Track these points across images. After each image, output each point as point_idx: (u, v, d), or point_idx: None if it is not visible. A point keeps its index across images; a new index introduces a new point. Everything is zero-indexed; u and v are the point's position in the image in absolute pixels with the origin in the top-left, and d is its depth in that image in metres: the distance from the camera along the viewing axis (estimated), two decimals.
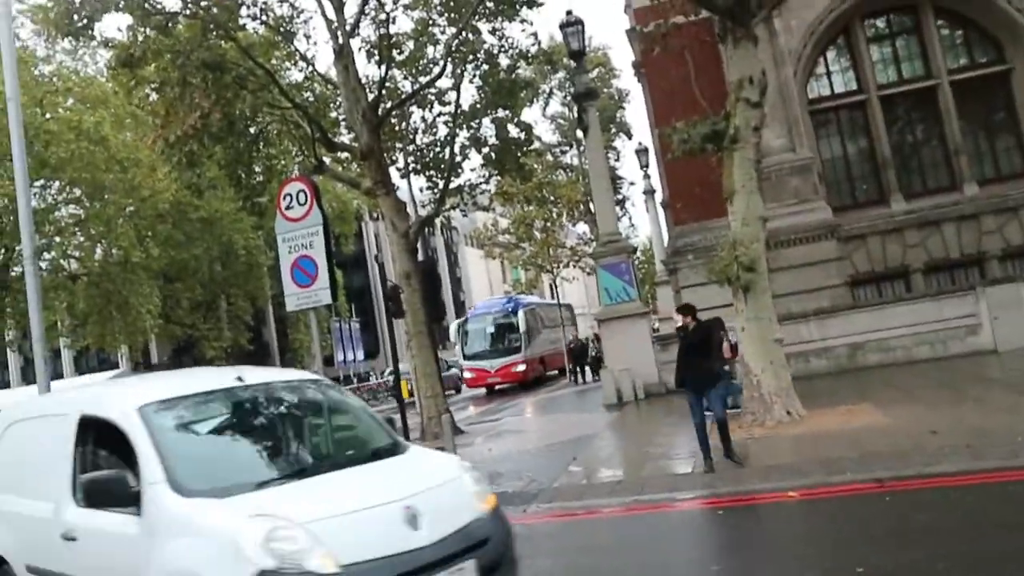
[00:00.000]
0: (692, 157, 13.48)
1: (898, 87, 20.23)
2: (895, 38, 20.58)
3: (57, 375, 41.83)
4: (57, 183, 30.76)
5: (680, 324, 9.82)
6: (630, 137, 44.25)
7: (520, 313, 32.96)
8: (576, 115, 25.83)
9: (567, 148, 42.21)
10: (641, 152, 36.61)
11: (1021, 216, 18.76)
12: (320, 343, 15.31)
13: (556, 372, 35.23)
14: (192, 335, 41.47)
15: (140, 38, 15.99)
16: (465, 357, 33.55)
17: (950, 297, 16.74)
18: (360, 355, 41.37)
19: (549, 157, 40.00)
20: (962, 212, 18.96)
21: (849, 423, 10.52)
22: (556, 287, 36.47)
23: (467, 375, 33.60)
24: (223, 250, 37.81)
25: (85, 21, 15.40)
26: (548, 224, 37.22)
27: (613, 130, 41.58)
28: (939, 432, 8.84)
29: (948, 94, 19.64)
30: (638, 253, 41.29)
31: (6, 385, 43.96)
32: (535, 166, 30.60)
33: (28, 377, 40.69)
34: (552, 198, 37.23)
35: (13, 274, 30.03)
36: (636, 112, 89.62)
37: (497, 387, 31.97)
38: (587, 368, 29.71)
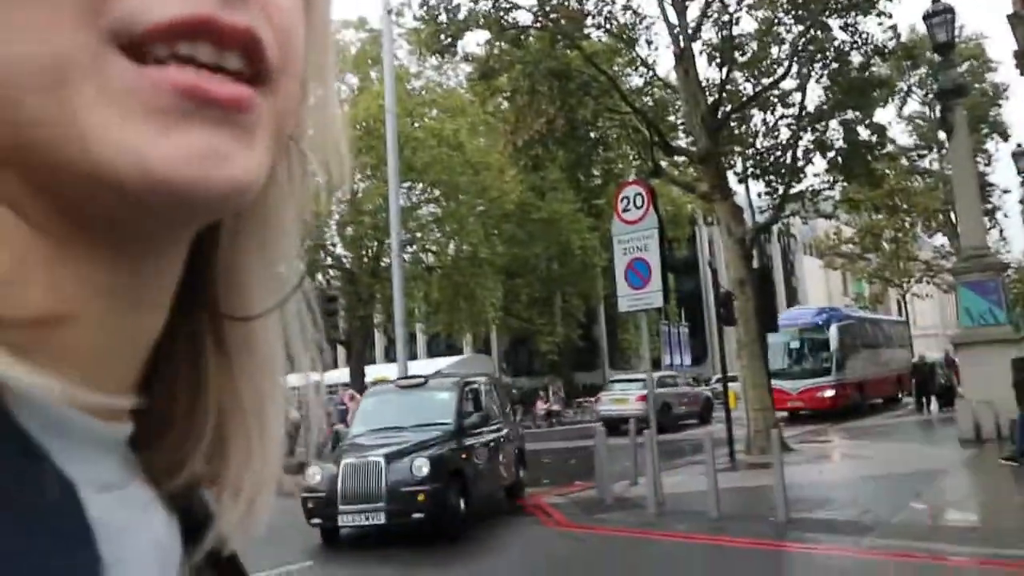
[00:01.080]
0: None
1: None
2: None
3: (412, 356, 46.77)
4: (420, 185, 34.39)
5: None
6: (1006, 139, 38.98)
7: (833, 328, 27.61)
8: (939, 114, 23.34)
9: (925, 151, 38.31)
10: (1020, 155, 32.13)
11: None
12: (649, 345, 15.41)
13: (880, 401, 29.85)
14: (528, 328, 44.12)
15: (495, 51, 17.32)
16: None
17: None
18: (687, 360, 41.08)
19: (904, 161, 36.59)
20: None
21: None
22: (905, 304, 33.20)
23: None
24: (561, 249, 39.70)
25: (450, 40, 17.04)
26: (899, 235, 34.10)
27: (984, 131, 36.97)
28: None
29: None
30: (1010, 271, 36.35)
31: (372, 362, 49.98)
32: (887, 171, 28.17)
33: (390, 356, 45.95)
34: (905, 206, 34.06)
35: (383, 264, 34.14)
36: (1016, 110, 78.77)
37: (801, 412, 26.66)
38: (932, 397, 25.94)
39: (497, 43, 17.34)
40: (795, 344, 27.45)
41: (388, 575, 8.81)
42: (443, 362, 48.21)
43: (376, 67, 32.84)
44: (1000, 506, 9.62)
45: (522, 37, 17.22)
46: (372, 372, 41.36)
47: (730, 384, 17.86)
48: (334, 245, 36.18)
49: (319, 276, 34.92)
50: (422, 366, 45.97)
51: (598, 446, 12.18)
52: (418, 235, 34.88)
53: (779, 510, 9.25)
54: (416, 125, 32.98)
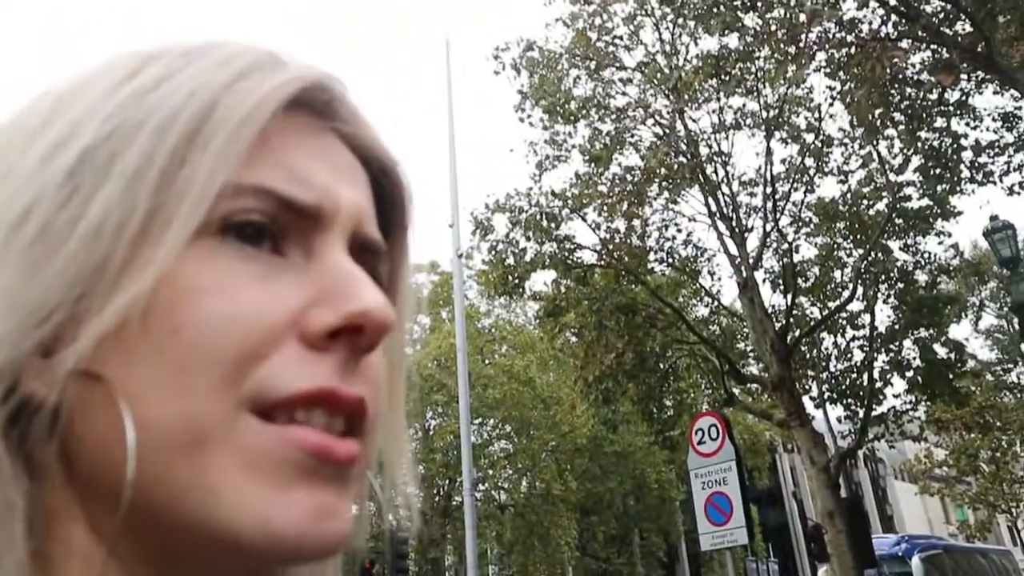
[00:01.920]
0: None
1: None
2: None
3: None
4: (491, 421, 34.47)
5: None
6: None
7: (916, 560, 23.59)
8: (1017, 327, 22.80)
9: (1011, 365, 37.13)
10: None
11: None
12: None
13: None
14: (606, 568, 41.90)
15: (562, 290, 17.91)
16: None
17: None
18: None
19: (989, 377, 35.39)
20: None
21: None
22: (1017, 531, 30.56)
23: None
24: (636, 484, 38.53)
25: (518, 280, 17.74)
26: (997, 455, 32.23)
27: None
28: None
29: None
30: None
31: None
32: (972, 388, 27.16)
33: None
34: (998, 423, 32.46)
35: (455, 503, 33.51)
36: None
37: None
38: None
39: (563, 281, 17.96)
40: None
41: None
42: None
43: (447, 307, 34.18)
44: None
45: (587, 275, 17.83)
46: None
47: None
48: (404, 484, 35.86)
49: (390, 517, 34.39)
50: None
51: None
52: (489, 472, 34.44)
53: None
54: (486, 362, 33.65)
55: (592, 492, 37.18)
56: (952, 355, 18.67)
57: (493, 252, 18.03)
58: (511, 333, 34.86)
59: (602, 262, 17.92)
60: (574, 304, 17.83)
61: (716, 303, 19.60)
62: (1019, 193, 16.21)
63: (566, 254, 17.67)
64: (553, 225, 17.37)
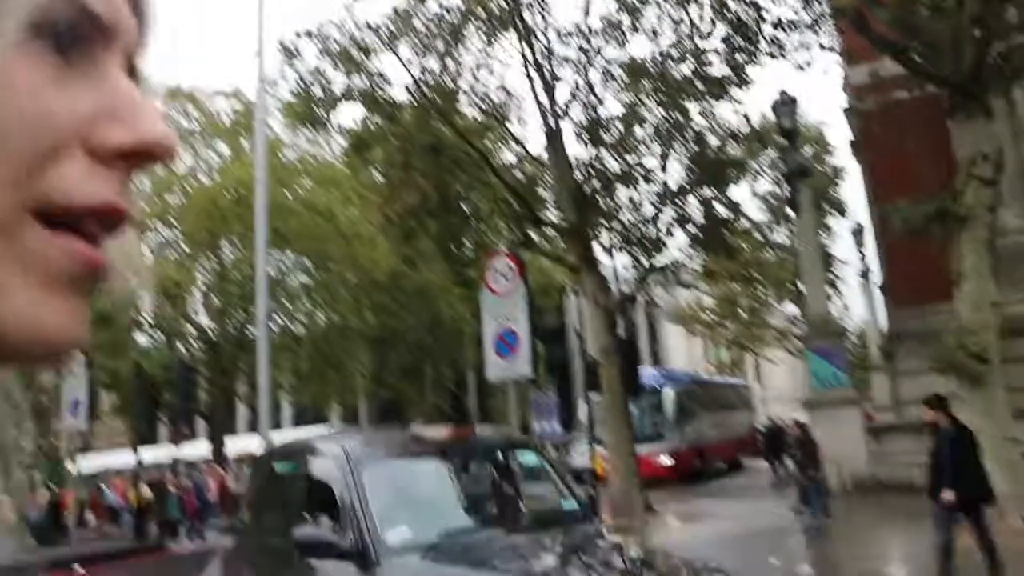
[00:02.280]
0: (914, 237, 12.73)
1: None
2: None
3: (276, 426, 45.22)
4: (290, 253, 33.91)
5: (930, 420, 8.36)
6: (844, 215, 42.34)
7: (668, 391, 26.28)
8: (787, 193, 25.14)
9: (776, 226, 41.04)
10: (857, 232, 34.93)
11: None
12: (518, 412, 15.54)
13: (725, 466, 29.06)
14: (398, 397, 43.64)
15: (370, 126, 17.59)
16: (595, 441, 26.69)
17: None
18: (556, 427, 41.58)
19: (757, 235, 39.00)
20: None
21: None
22: (759, 367, 34.90)
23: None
24: (432, 319, 39.72)
25: (324, 113, 17.17)
26: (754, 304, 36.10)
27: (826, 208, 40.03)
28: None
29: None
30: (852, 337, 38.96)
31: (234, 432, 47.96)
32: (742, 245, 29.91)
33: (252, 427, 44.32)
34: (759, 277, 36.16)
35: (248, 335, 33.17)
36: (852, 190, 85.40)
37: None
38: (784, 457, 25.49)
39: (372, 118, 17.58)
40: (633, 410, 24.67)
41: None
42: (309, 432, 46.81)
43: (248, 137, 32.48)
44: (847, 559, 10.20)
45: (396, 112, 17.53)
46: (233, 444, 39.68)
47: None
48: (196, 313, 34.96)
49: (179, 345, 33.62)
50: (287, 437, 44.37)
51: None
52: (287, 304, 34.20)
53: None
54: (288, 195, 32.63)
55: (388, 326, 37.98)
56: (730, 213, 20.36)
57: (300, 83, 17.28)
58: (315, 167, 33.86)
59: (413, 100, 17.64)
60: (381, 141, 17.61)
61: (523, 150, 20.00)
62: (806, 69, 17.38)
63: (376, 89, 17.22)
64: (364, 57, 16.79)
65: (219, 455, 33.56)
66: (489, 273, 11.81)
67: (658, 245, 19.77)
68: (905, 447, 16.71)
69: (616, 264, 22.49)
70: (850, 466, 16.84)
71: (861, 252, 35.90)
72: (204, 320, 35.10)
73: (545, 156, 18.39)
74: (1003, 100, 16.49)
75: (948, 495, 7.55)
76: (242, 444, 37.00)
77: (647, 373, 28.13)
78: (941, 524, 7.90)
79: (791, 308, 40.95)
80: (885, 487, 16.57)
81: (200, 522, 22.14)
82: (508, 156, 20.78)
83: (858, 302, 54.30)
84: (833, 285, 40.86)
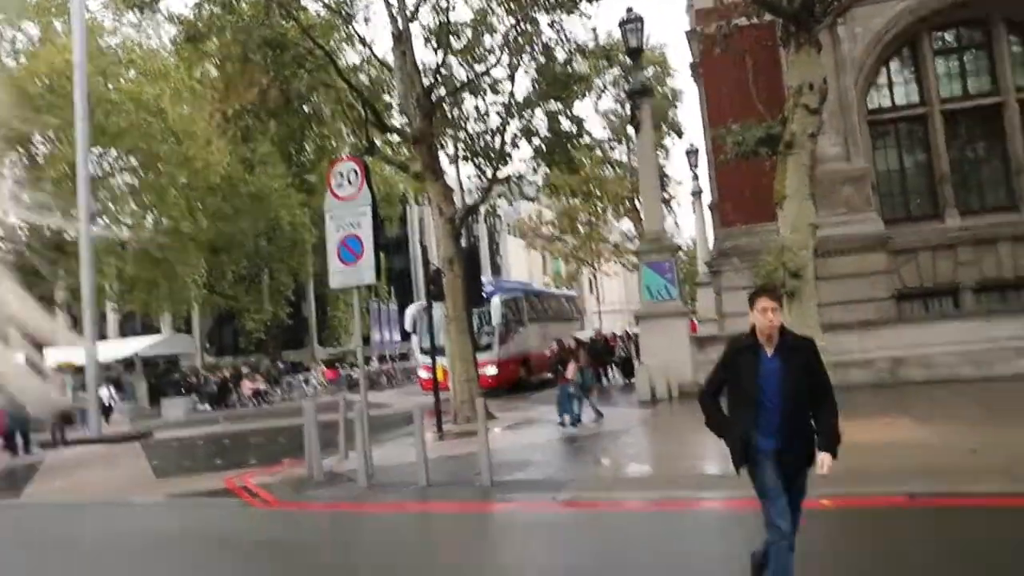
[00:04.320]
0: (744, 160, 13.41)
1: (962, 102, 19.79)
2: (963, 52, 20.13)
3: (102, 336, 42.87)
4: (114, 152, 31.51)
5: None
6: (681, 137, 43.94)
7: (496, 300, 25.25)
8: (628, 112, 25.73)
9: (617, 144, 42.06)
10: (691, 153, 36.42)
11: None
12: (359, 322, 15.40)
13: (552, 376, 29.78)
14: (234, 306, 42.28)
15: (205, 14, 16.33)
16: (421, 351, 25.76)
17: (1000, 317, 16.40)
18: (396, 337, 41.75)
19: (598, 152, 39.86)
20: (1018, 232, 18.52)
21: (887, 436, 10.39)
22: (596, 280, 36.12)
23: (422, 374, 26.22)
24: (269, 225, 38.45)
25: None
26: (592, 219, 37.13)
27: (664, 129, 41.35)
28: (978, 452, 8.70)
29: (1015, 112, 19.19)
30: (682, 253, 41.00)
31: (55, 343, 45.09)
32: (584, 160, 30.51)
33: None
34: (598, 193, 37.15)
35: (68, 237, 30.87)
36: (689, 113, 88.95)
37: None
38: (611, 368, 26.51)
39: (207, 5, 16.33)
40: None
41: None
42: (138, 343, 44.67)
43: (63, 18, 29.49)
44: (670, 456, 10.94)
45: (234, 1, 16.37)
46: (52, 355, 37.39)
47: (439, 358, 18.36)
48: (5, 213, 32.10)
49: None
50: (113, 347, 42.25)
51: (307, 423, 12.09)
52: (111, 206, 31.96)
53: (484, 474, 9.83)
54: (111, 87, 30.10)
55: (223, 232, 36.43)
56: (574, 128, 20.64)
57: None
58: (141, 57, 31.27)
59: None
60: (217, 32, 16.43)
61: (368, 51, 19.31)
62: None
63: None
64: None
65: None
66: (333, 177, 11.47)
67: (503, 156, 19.84)
68: None
69: (461, 174, 22.44)
70: (677, 373, 17.95)
71: (694, 173, 37.53)
72: (13, 220, 32.33)
73: (392, 59, 17.83)
74: (828, 35, 17.47)
75: None
76: (61, 355, 34.77)
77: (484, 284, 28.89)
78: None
79: (627, 225, 42.50)
80: None
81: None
82: (353, 57, 20.03)
83: (690, 220, 56.93)
84: (667, 204, 42.67)
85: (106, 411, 29.48)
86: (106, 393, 30.14)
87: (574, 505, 8.53)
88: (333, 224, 11.50)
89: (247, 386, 33.50)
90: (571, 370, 15.08)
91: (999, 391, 13.98)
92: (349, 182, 11.36)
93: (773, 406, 4.37)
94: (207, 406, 32.79)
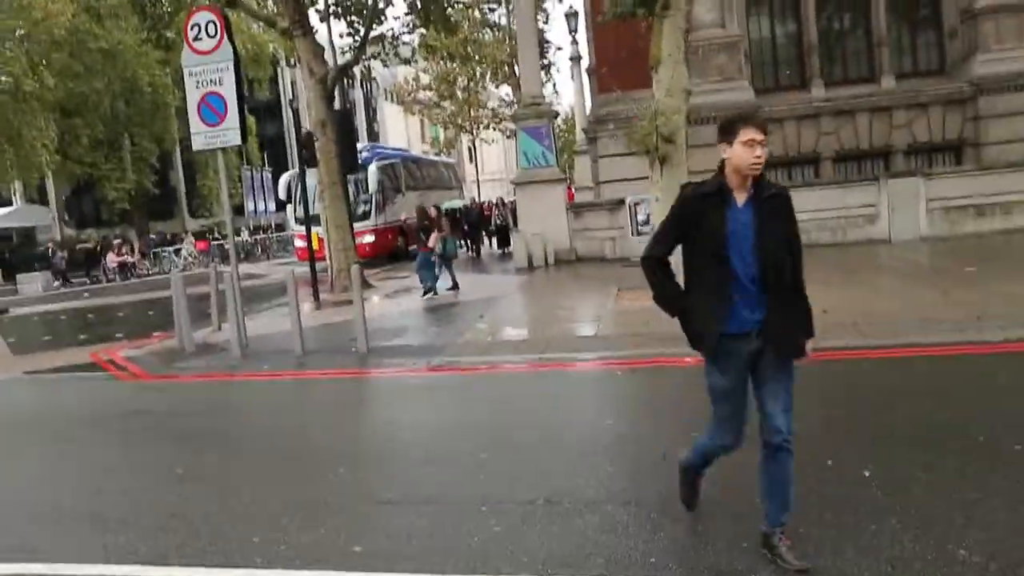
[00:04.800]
0: (622, 21, 13.23)
1: None
2: None
3: None
4: None
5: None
6: (560, 0, 42.93)
7: (373, 168, 24.56)
8: None
9: (495, 6, 40.73)
10: (571, 16, 35.64)
11: (931, 113, 19.15)
12: (229, 191, 14.67)
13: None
14: (93, 175, 39.65)
15: None
16: (296, 220, 25.22)
17: (855, 186, 17.24)
18: (271, 206, 40.44)
19: (476, 14, 38.56)
20: (877, 104, 19.27)
21: None
22: (475, 148, 35.74)
23: (297, 243, 25.40)
24: (127, 86, 35.79)
25: None
26: (471, 83, 36.31)
27: None
28: (828, 311, 9.28)
29: None
30: (560, 121, 40.85)
31: None
32: (462, 21, 29.48)
33: None
34: (477, 57, 36.20)
35: None
36: None
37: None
38: (486, 238, 26.39)
39: None
40: None
41: None
42: None
43: None
44: (545, 320, 11.20)
45: None
46: None
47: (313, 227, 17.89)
48: None
49: None
50: None
51: (176, 294, 11.66)
52: None
53: (360, 341, 9.81)
54: None
55: (74, 92, 33.70)
56: None
57: None
58: None
59: None
60: None
61: None
62: None
63: None
64: None
65: None
66: (190, 29, 10.62)
67: (376, 13, 18.89)
68: (600, 223, 18.31)
69: (333, 33, 21.27)
70: (554, 240, 18.19)
71: (573, 38, 36.92)
72: None
73: None
74: None
75: None
76: None
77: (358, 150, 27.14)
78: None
79: (506, 91, 41.82)
80: (581, 259, 18.21)
81: None
82: None
83: (569, 87, 56.58)
84: (547, 69, 42.08)
85: None
86: None
87: (449, 369, 8.65)
88: (192, 81, 10.74)
89: (112, 258, 31.89)
90: (433, 239, 15.06)
91: (849, 255, 14.89)
92: (208, 34, 10.54)
93: (747, 270, 3.37)
94: (58, 282, 30.99)
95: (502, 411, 6.92)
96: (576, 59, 37.18)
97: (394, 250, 25.63)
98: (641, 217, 16.17)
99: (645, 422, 6.39)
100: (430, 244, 15.05)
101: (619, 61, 18.57)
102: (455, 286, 15.25)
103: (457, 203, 27.41)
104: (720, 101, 18.45)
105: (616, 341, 9.05)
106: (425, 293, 14.68)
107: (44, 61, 30.56)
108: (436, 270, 15.06)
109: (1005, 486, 4.13)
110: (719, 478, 4.20)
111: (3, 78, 28.98)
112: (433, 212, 15.96)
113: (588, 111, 26.85)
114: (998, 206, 16.21)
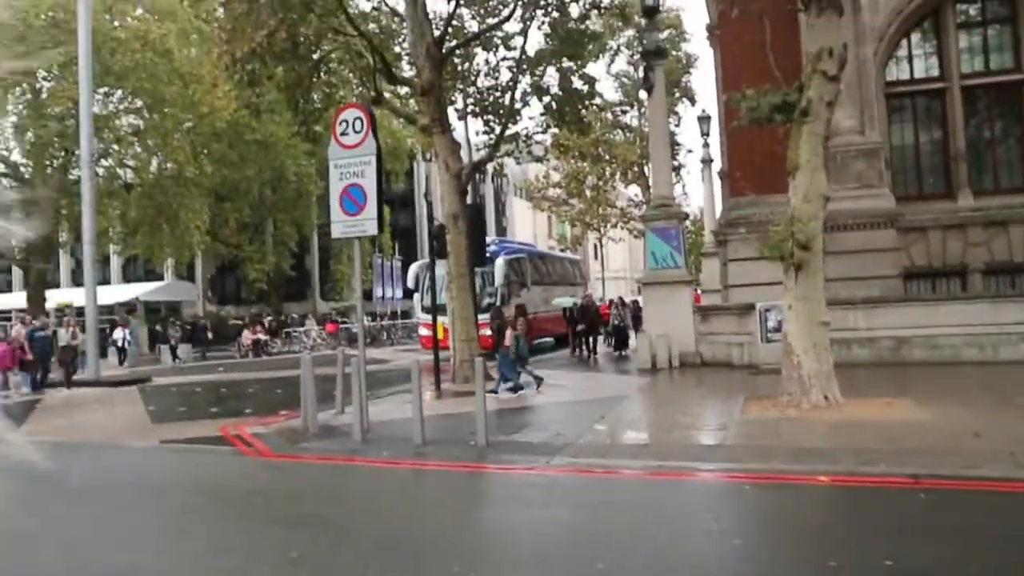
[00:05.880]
0: (758, 127, 13.08)
1: (983, 78, 19.33)
2: (987, 26, 19.62)
3: (104, 281, 42.81)
4: (120, 92, 31.09)
5: None
6: (693, 103, 43.34)
7: (499, 261, 24.82)
8: (642, 75, 25.27)
9: (628, 108, 41.50)
10: (704, 119, 35.81)
11: None
12: (361, 277, 15.15)
13: (552, 340, 28.18)
14: (237, 255, 42.08)
15: None
16: (423, 309, 25.37)
17: (1008, 301, 16.18)
18: (399, 293, 41.62)
19: (609, 115, 39.34)
20: None
21: (887, 416, 10.26)
22: (601, 246, 35.78)
23: (422, 332, 26.09)
24: (275, 174, 38.10)
25: None
26: (600, 182, 36.76)
27: (677, 95, 40.78)
28: (981, 436, 8.57)
29: None
30: (689, 223, 40.62)
31: (56, 285, 45.13)
32: (594, 121, 30.05)
33: (77, 280, 41.74)
34: (608, 156, 36.72)
35: (71, 178, 30.59)
36: (702, 79, 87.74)
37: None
38: (599, 338, 25.57)
39: None
40: None
41: None
42: (140, 288, 44.60)
43: None
44: (668, 426, 10.83)
45: None
46: (55, 296, 37.31)
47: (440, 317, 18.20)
48: (8, 151, 31.78)
49: None
50: (115, 291, 42.19)
51: (304, 375, 11.97)
52: (115, 148, 31.63)
53: (480, 435, 9.72)
54: (116, 24, 29.61)
55: (228, 178, 36.15)
56: (586, 88, 20.27)
57: None
58: None
59: None
60: None
61: None
62: None
63: None
64: None
65: (39, 308, 31.31)
66: (338, 124, 11.22)
67: (512, 113, 19.51)
68: (728, 328, 17.81)
69: (469, 130, 22.11)
70: (679, 342, 17.81)
71: (706, 141, 37.03)
72: (17, 157, 32.01)
73: (403, 7, 17.43)
74: (849, 2, 17.02)
75: None
76: (65, 296, 34.60)
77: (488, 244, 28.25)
78: None
79: (635, 190, 42.09)
80: (707, 363, 17.70)
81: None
82: (364, 4, 19.63)
83: (698, 189, 56.52)
84: (677, 171, 42.22)
85: (121, 352, 29.73)
86: (121, 335, 30.27)
87: (569, 470, 8.42)
88: (336, 172, 11.27)
89: (248, 336, 33.45)
90: (508, 337, 15.19)
91: (1002, 375, 13.84)
92: (355, 130, 11.09)
93: None
94: (198, 353, 32.73)
95: (620, 518, 6.61)
96: (707, 161, 37.18)
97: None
98: (771, 324, 15.62)
99: (777, 542, 5.94)
100: (506, 343, 15.20)
101: (753, 165, 18.37)
102: (539, 381, 15.04)
103: (567, 301, 27.10)
104: (859, 208, 17.91)
105: (743, 453, 8.61)
106: (497, 391, 14.61)
107: (205, 150, 32.99)
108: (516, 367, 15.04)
109: None
110: None
111: (169, 165, 31.41)
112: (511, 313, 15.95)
113: (718, 214, 26.57)
114: None
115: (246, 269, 42.05)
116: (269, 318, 38.31)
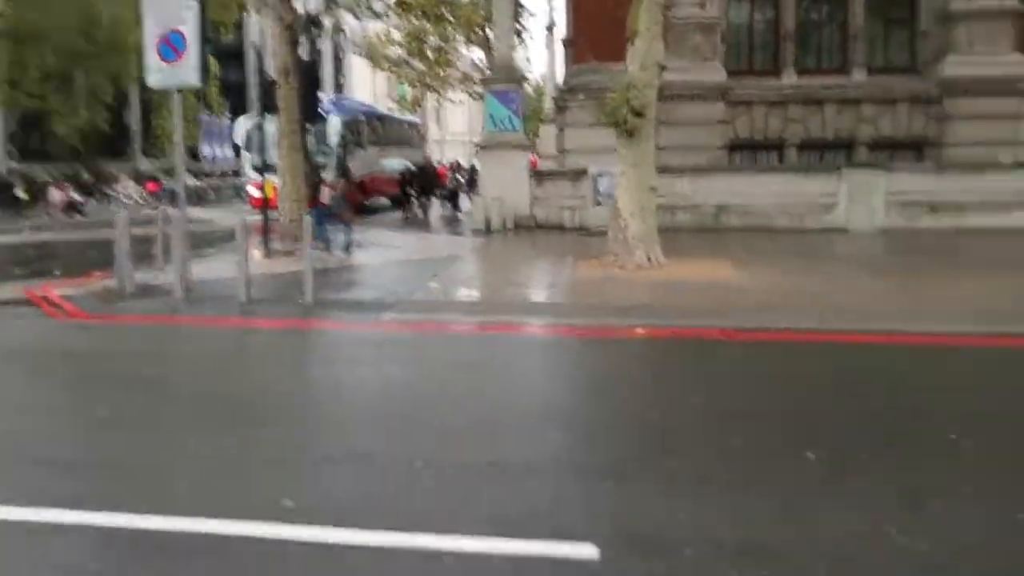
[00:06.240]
0: None
1: None
2: None
3: None
4: None
5: None
6: None
7: (335, 121, 24.01)
8: None
9: None
10: None
11: (897, 109, 19.24)
12: (183, 132, 14.06)
13: (387, 202, 27.39)
14: (41, 107, 38.19)
15: None
16: (252, 167, 23.00)
17: (816, 174, 17.28)
18: (228, 152, 39.50)
19: None
20: (845, 96, 19.30)
21: (705, 276, 10.86)
22: (441, 110, 35.14)
23: (251, 192, 24.35)
24: (86, 20, 34.44)
25: None
26: (443, 44, 35.70)
27: None
28: (789, 294, 9.27)
29: None
30: (529, 88, 40.42)
31: None
32: None
33: None
34: (451, 17, 35.49)
35: None
36: None
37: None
38: (432, 198, 24.48)
39: None
40: None
41: None
42: None
43: None
44: (499, 284, 11.03)
45: None
46: None
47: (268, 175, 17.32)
48: None
49: None
50: None
51: (118, 233, 11.20)
52: None
53: (308, 293, 9.53)
54: None
55: (29, 20, 32.40)
56: None
57: None
58: None
59: None
60: None
61: None
62: None
63: None
64: None
65: None
66: None
67: None
68: (562, 192, 18.12)
69: None
70: (514, 206, 17.96)
71: (550, 6, 36.50)
72: None
73: None
74: None
75: None
76: None
77: (322, 101, 26.02)
78: None
79: (478, 54, 41.18)
80: (540, 226, 18.03)
81: None
82: None
83: (541, 57, 56.08)
84: (520, 35, 41.48)
85: None
86: None
87: (400, 326, 8.43)
88: (153, 15, 10.29)
89: (55, 194, 30.80)
90: (325, 194, 14.97)
91: (809, 242, 14.95)
92: None
93: None
94: None
95: (449, 371, 6.74)
96: (551, 28, 36.76)
97: (356, 205, 25.05)
98: (603, 188, 16.00)
99: (592, 388, 6.26)
100: (323, 200, 14.91)
101: (596, 32, 18.28)
102: (328, 247, 14.39)
103: (400, 164, 26.39)
104: (692, 80, 18.34)
105: (567, 309, 8.93)
106: (342, 250, 14.25)
107: None
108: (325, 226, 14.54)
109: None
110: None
111: None
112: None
113: (559, 81, 26.52)
114: (952, 205, 16.38)
115: (54, 124, 38.34)
116: (86, 177, 35.41)
